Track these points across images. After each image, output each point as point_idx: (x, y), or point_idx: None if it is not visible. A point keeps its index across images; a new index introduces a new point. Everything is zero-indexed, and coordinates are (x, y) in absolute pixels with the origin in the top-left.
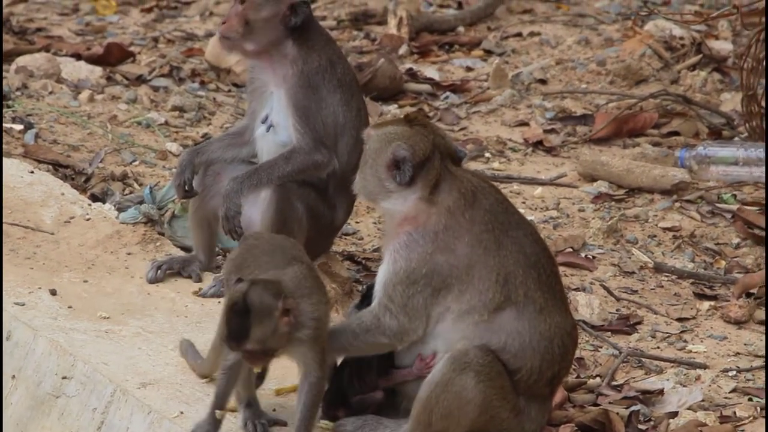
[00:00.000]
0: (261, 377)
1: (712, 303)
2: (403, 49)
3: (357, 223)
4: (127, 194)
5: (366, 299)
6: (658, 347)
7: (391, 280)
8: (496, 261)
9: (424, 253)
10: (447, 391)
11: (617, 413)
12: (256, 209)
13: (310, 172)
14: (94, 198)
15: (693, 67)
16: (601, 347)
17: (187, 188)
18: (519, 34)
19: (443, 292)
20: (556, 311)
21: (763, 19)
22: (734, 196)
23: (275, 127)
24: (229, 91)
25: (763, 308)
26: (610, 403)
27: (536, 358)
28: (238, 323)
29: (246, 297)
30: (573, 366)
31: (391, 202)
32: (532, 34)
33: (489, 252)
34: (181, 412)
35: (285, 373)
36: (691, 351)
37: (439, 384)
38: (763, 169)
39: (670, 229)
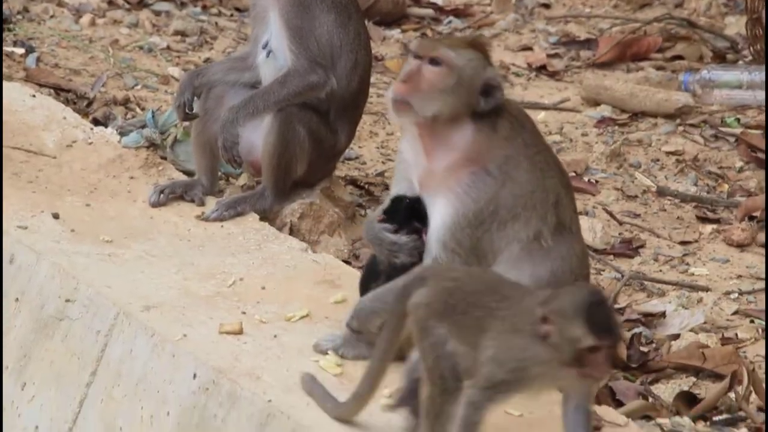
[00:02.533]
0: None
1: (715, 226)
2: None
3: (360, 147)
4: (129, 119)
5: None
6: (661, 270)
7: (458, 223)
8: (549, 183)
9: (490, 191)
10: None
11: None
12: (258, 135)
13: (307, 93)
14: (96, 122)
15: None
16: (603, 271)
17: (187, 110)
18: None
19: (510, 222)
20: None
21: None
22: (738, 119)
23: (274, 52)
24: (231, 15)
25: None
26: None
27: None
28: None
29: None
30: None
31: (461, 131)
32: None
33: (544, 174)
34: (185, 335)
35: (288, 297)
36: (693, 274)
37: None
38: None
39: (673, 153)
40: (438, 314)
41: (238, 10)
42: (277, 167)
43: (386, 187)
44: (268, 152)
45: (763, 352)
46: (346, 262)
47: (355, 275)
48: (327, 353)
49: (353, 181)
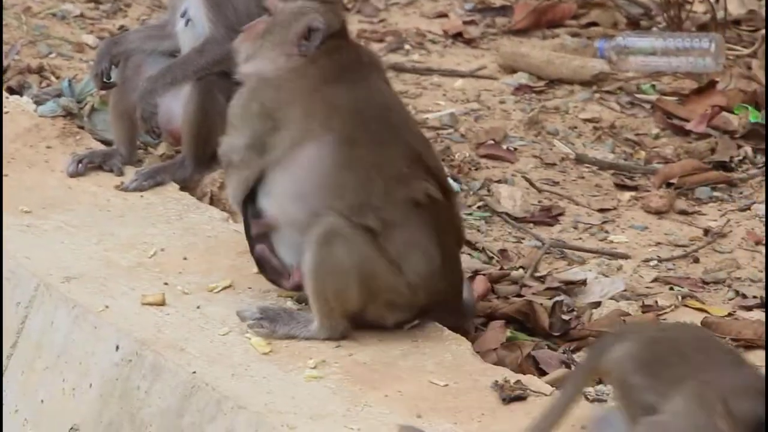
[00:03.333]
0: None
1: (633, 193)
2: None
3: None
4: (44, 87)
5: None
6: (580, 238)
7: None
8: None
9: None
10: (326, 272)
11: (541, 304)
12: (177, 104)
13: (225, 62)
14: (11, 91)
15: None
16: (524, 239)
17: (105, 79)
18: None
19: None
20: None
21: None
22: (653, 86)
23: (193, 20)
24: None
25: (684, 197)
26: (533, 293)
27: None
28: None
29: None
30: (496, 257)
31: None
32: None
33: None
34: (106, 306)
35: (210, 268)
36: (612, 241)
37: (318, 268)
38: (682, 58)
39: (590, 120)
40: (643, 365)
41: None
42: (197, 136)
43: None
44: (188, 121)
45: (683, 318)
46: None
47: None
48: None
49: None
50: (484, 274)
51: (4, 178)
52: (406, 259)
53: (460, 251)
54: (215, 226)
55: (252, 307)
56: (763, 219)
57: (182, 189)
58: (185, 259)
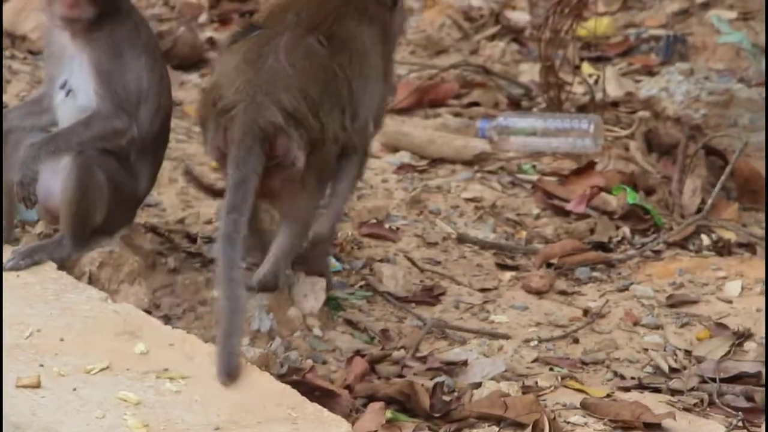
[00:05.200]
0: None
1: (514, 273)
2: (203, 18)
3: (159, 194)
4: None
5: None
6: (462, 318)
7: None
8: None
9: None
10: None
11: (422, 384)
12: (56, 178)
13: (109, 139)
14: None
15: (492, 38)
16: (405, 319)
17: None
18: None
19: None
20: None
21: None
22: (534, 166)
23: (74, 91)
24: (25, 58)
25: (564, 278)
26: (414, 374)
27: None
28: None
29: None
30: (378, 337)
31: None
32: None
33: None
34: None
35: (87, 349)
36: (493, 321)
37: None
38: (562, 138)
39: (472, 200)
40: None
41: (31, 53)
42: (76, 215)
43: (187, 235)
44: (66, 199)
45: (563, 400)
46: (147, 311)
47: (156, 325)
48: None
49: (153, 229)
50: (363, 355)
51: None
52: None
53: None
54: (93, 306)
55: None
56: (641, 300)
57: (60, 268)
58: (62, 340)
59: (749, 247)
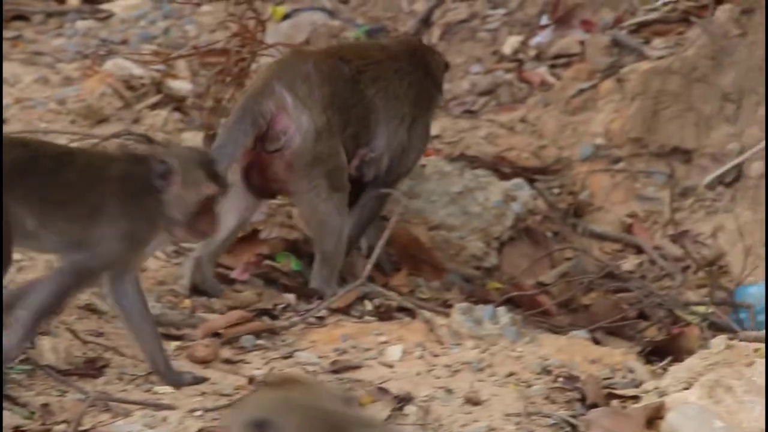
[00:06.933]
0: None
1: (179, 343)
2: None
3: None
4: None
5: None
6: (126, 390)
7: None
8: None
9: None
10: None
11: None
12: None
13: None
14: None
15: (154, 107)
16: (67, 392)
17: None
18: None
19: None
20: None
21: (221, 59)
22: None
23: None
24: None
25: (229, 346)
26: None
27: None
28: None
29: None
30: (38, 412)
31: None
32: None
33: None
34: None
35: None
36: (157, 392)
37: None
38: None
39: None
40: None
41: None
42: None
43: None
44: None
45: None
46: None
47: None
48: None
49: None
50: (23, 431)
51: None
52: None
53: None
54: None
55: None
56: (305, 366)
57: None
58: None
59: (409, 311)
